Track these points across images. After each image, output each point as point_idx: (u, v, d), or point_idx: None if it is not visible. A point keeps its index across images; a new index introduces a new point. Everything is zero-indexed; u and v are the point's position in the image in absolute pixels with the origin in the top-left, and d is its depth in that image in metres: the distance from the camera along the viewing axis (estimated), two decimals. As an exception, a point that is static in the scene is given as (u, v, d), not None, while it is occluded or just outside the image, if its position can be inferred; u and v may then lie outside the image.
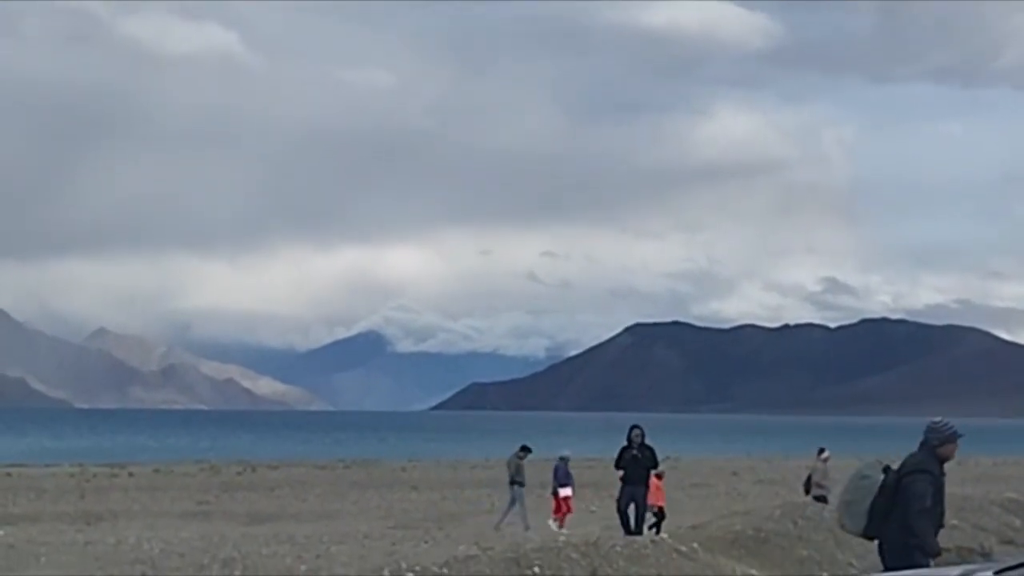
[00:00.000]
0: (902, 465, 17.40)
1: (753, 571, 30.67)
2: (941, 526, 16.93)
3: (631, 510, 36.54)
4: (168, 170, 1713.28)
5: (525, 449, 47.63)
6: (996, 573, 5.72)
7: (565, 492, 45.97)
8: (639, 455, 36.97)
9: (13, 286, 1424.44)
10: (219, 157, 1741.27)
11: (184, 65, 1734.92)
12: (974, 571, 5.70)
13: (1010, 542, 35.86)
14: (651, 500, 41.27)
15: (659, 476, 44.30)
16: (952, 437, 17.58)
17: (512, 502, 45.98)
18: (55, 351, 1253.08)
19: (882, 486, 17.14)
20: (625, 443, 37.50)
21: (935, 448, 17.43)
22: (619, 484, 37.43)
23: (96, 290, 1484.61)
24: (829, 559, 32.54)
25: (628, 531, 35.59)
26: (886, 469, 17.40)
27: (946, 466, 17.87)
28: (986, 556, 32.29)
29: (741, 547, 33.27)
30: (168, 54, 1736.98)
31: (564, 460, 47.59)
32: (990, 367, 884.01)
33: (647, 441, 37.48)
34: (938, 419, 18.10)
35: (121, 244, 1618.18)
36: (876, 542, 17.02)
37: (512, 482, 46.18)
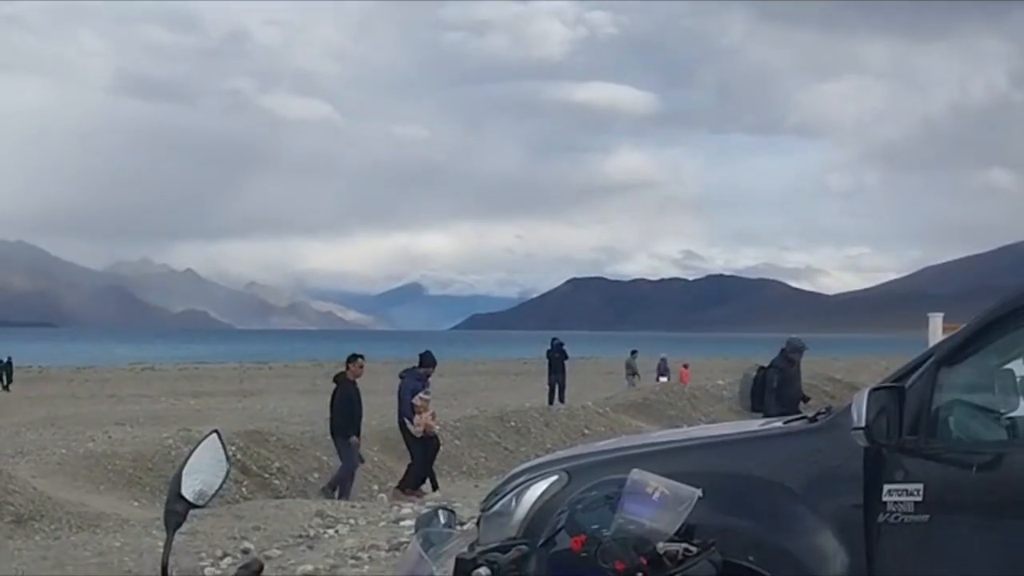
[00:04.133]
0: (768, 365, 17.76)
1: (641, 423, 30.73)
2: (791, 404, 17.00)
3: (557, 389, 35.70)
4: (288, 186, 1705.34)
5: (634, 352, 46.68)
6: (785, 422, 5.70)
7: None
8: (557, 355, 36.09)
9: (198, 254, 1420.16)
10: (319, 180, 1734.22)
11: (298, 125, 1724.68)
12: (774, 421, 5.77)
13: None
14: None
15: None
16: (798, 347, 17.90)
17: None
18: (224, 294, 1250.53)
19: (755, 378, 17.48)
20: (549, 347, 36.70)
21: (787, 353, 17.65)
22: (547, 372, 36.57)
23: (249, 257, 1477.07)
24: (687, 416, 32.57)
25: (551, 402, 34.85)
26: (760, 368, 17.79)
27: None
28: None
29: (634, 409, 33.42)
30: (288, 118, 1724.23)
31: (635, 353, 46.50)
32: (784, 302, 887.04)
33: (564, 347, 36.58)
34: (794, 336, 18.60)
35: (261, 230, 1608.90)
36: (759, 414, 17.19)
37: (632, 373, 44.50)
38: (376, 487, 20.31)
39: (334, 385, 18.70)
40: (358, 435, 18.12)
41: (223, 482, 3.55)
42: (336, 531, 12.66)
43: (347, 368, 18.50)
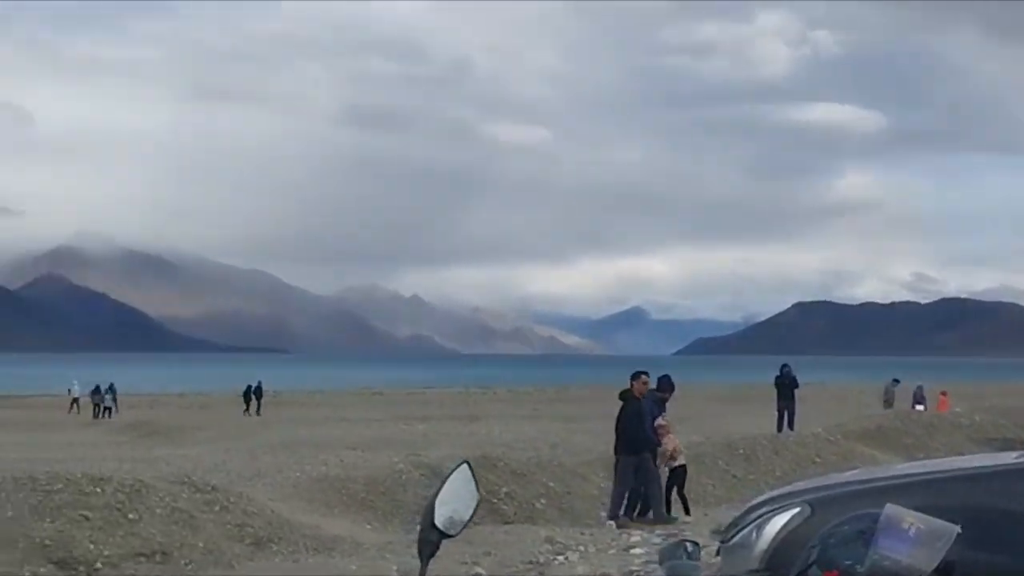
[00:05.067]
0: None
1: (875, 452, 29.86)
2: None
3: (786, 416, 35.16)
4: (510, 212, 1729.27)
5: (896, 380, 45.82)
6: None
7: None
8: (786, 381, 35.50)
9: (424, 280, 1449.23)
10: (540, 206, 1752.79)
11: (519, 151, 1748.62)
12: None
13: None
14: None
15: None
16: None
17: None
18: (449, 319, 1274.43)
19: None
20: (778, 373, 36.13)
21: None
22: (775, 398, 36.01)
23: (474, 282, 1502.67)
24: (924, 445, 31.49)
25: (779, 429, 34.26)
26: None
27: None
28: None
29: (867, 437, 32.50)
30: (509, 144, 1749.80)
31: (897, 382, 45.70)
32: (1022, 326, 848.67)
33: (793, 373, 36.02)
34: None
35: (485, 256, 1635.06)
36: None
37: (888, 401, 43.56)
38: (603, 514, 20.29)
39: (620, 403, 18.65)
40: (641, 452, 18.09)
41: (474, 512, 3.60)
42: (566, 558, 12.70)
43: (631, 385, 18.50)
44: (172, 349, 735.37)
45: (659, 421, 18.22)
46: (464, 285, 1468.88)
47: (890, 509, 3.79)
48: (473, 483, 3.66)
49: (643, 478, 18.04)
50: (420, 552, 3.48)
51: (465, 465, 3.68)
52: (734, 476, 24.97)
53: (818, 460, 27.06)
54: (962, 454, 21.19)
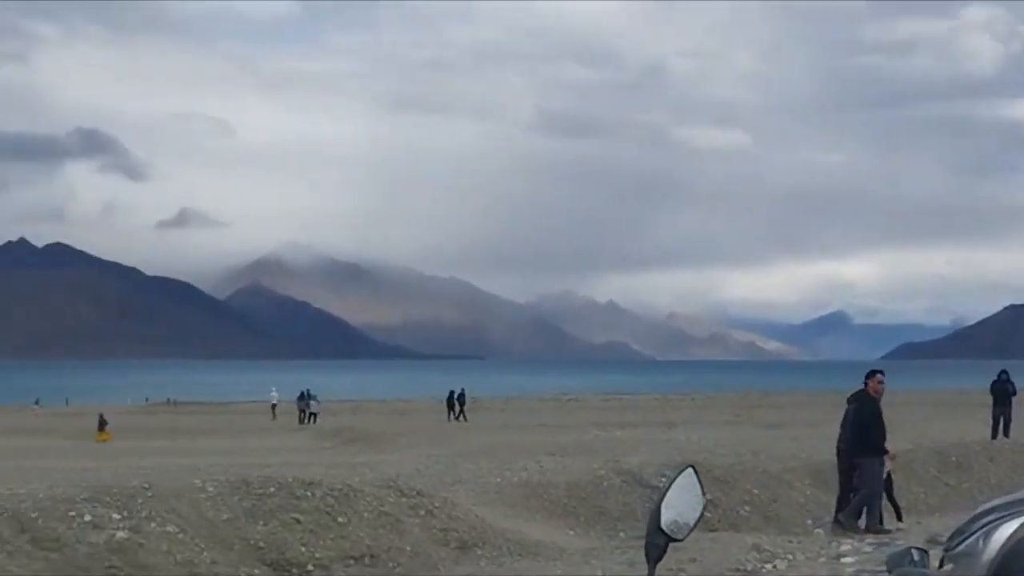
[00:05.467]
0: None
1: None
2: None
3: (1002, 422, 33.84)
4: (707, 217, 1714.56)
5: None
6: None
7: None
8: (1003, 386, 34.18)
9: (619, 286, 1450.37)
10: (737, 210, 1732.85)
11: (715, 154, 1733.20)
12: None
13: None
14: None
15: None
16: None
17: None
18: (644, 325, 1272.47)
19: None
20: (995, 378, 34.82)
21: None
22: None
23: (669, 288, 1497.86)
24: None
25: (994, 436, 32.99)
26: None
27: None
28: None
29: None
30: (704, 148, 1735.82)
31: None
32: None
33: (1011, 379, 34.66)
34: None
35: (681, 261, 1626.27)
36: None
37: None
38: (810, 521, 19.93)
39: (852, 404, 18.18)
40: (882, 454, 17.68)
41: (700, 516, 3.59)
42: (774, 566, 12.52)
43: (866, 384, 18.10)
44: (371, 356, 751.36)
45: None
46: (660, 290, 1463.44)
47: None
48: (699, 487, 3.66)
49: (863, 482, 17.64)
50: (647, 556, 3.50)
51: (690, 469, 3.69)
52: (946, 484, 24.27)
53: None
54: None
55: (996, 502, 5.54)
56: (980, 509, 5.50)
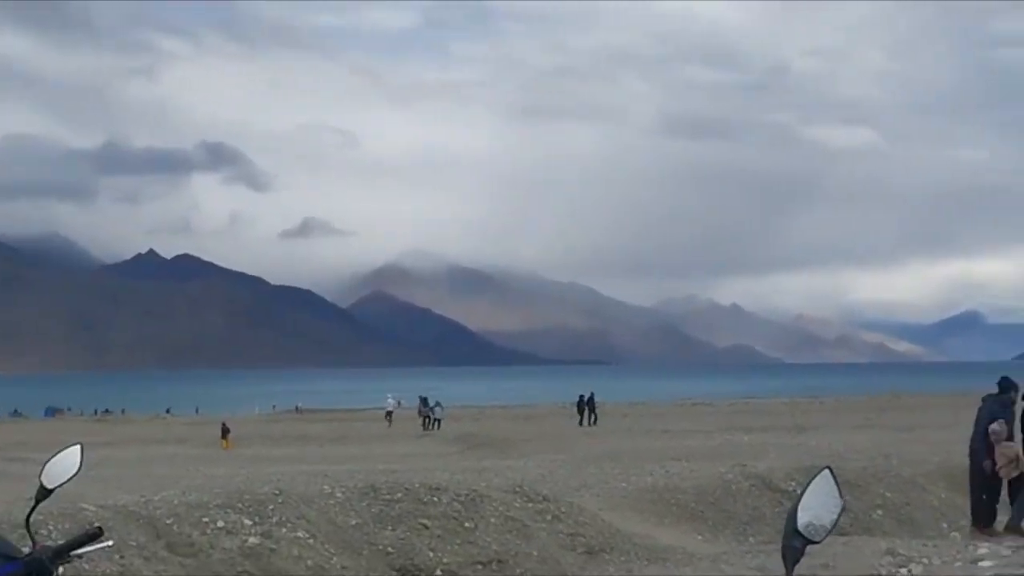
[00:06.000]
0: None
1: None
2: None
3: None
4: (834, 217, 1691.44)
5: None
6: None
7: None
8: None
9: (743, 289, 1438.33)
10: (866, 209, 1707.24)
11: (843, 154, 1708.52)
12: None
13: None
14: None
15: None
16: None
17: None
18: (770, 328, 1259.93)
19: None
20: None
21: None
22: None
23: (796, 290, 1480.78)
24: None
25: None
26: None
27: None
28: None
29: None
30: (832, 147, 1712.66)
31: None
32: None
33: None
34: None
35: (808, 262, 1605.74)
36: None
37: None
38: (945, 525, 19.55)
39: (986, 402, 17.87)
40: None
41: (838, 518, 3.57)
42: (909, 570, 12.32)
43: None
44: (495, 362, 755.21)
45: (994, 426, 17.30)
46: (786, 292, 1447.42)
47: None
48: (836, 489, 3.63)
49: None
50: (784, 558, 3.47)
51: (827, 471, 3.65)
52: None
53: None
54: None
55: None
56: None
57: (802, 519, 3.49)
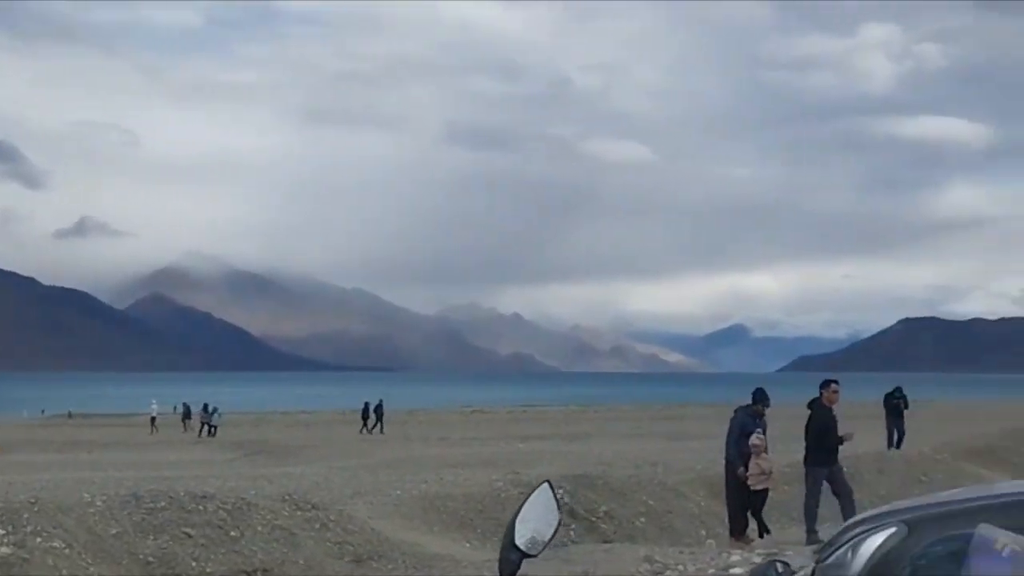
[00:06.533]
0: None
1: (983, 471, 29.27)
2: None
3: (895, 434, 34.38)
4: (611, 230, 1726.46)
5: None
6: None
7: None
8: (896, 400, 34.74)
9: (524, 298, 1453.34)
10: (641, 223, 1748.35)
11: (619, 168, 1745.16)
12: None
13: None
14: None
15: None
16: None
17: None
18: (549, 338, 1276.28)
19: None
20: (889, 391, 35.49)
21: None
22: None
23: (573, 300, 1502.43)
24: (1036, 464, 30.79)
25: (889, 447, 33.50)
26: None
27: None
28: None
29: (976, 456, 31.90)
30: (609, 161, 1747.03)
31: None
32: None
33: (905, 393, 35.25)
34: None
35: (585, 273, 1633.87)
36: None
37: None
38: (704, 532, 20.13)
39: (807, 411, 18.59)
40: (832, 463, 18.00)
41: (555, 531, 3.60)
42: (664, 577, 12.62)
43: (821, 394, 18.46)
44: (277, 368, 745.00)
45: (753, 439, 17.94)
46: (564, 303, 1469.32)
47: (983, 530, 3.72)
48: (554, 502, 3.67)
49: (837, 489, 17.99)
50: (501, 572, 3.50)
51: (546, 484, 3.69)
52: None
53: (924, 479, 26.60)
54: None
55: (865, 514, 5.64)
56: (850, 521, 5.59)
57: (520, 533, 3.52)
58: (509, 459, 32.17)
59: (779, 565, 4.09)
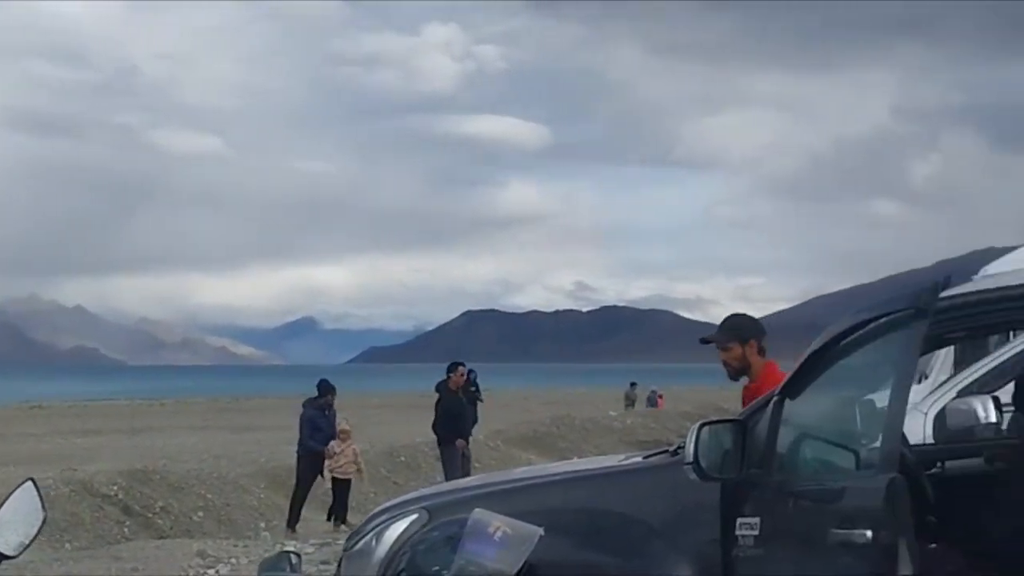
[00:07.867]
0: None
1: (532, 456, 30.75)
2: None
3: None
4: (179, 221, 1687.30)
5: (633, 384, 49.49)
6: (645, 456, 5.61)
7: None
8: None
9: (88, 290, 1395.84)
10: (211, 215, 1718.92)
11: (190, 159, 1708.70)
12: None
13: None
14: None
15: (660, 396, 47.90)
16: None
17: None
18: (115, 330, 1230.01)
19: None
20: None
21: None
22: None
23: (140, 293, 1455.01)
24: (578, 449, 32.62)
25: None
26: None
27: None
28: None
29: (525, 442, 33.45)
30: (179, 152, 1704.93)
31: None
32: (675, 332, 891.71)
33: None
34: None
35: (153, 265, 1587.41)
36: None
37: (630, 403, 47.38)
38: (263, 524, 20.06)
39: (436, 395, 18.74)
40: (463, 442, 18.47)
41: (38, 531, 3.50)
42: (216, 571, 12.50)
43: (448, 378, 18.52)
44: None
45: (343, 425, 18.41)
46: (131, 295, 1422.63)
47: (477, 514, 3.94)
48: (39, 501, 3.57)
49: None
50: None
51: (30, 483, 3.59)
52: (395, 483, 25.13)
53: (478, 466, 27.55)
54: (607, 455, 22.05)
55: (389, 502, 5.83)
56: (376, 510, 5.76)
57: (1, 535, 3.41)
58: (67, 455, 30.73)
59: (292, 556, 4.17)
